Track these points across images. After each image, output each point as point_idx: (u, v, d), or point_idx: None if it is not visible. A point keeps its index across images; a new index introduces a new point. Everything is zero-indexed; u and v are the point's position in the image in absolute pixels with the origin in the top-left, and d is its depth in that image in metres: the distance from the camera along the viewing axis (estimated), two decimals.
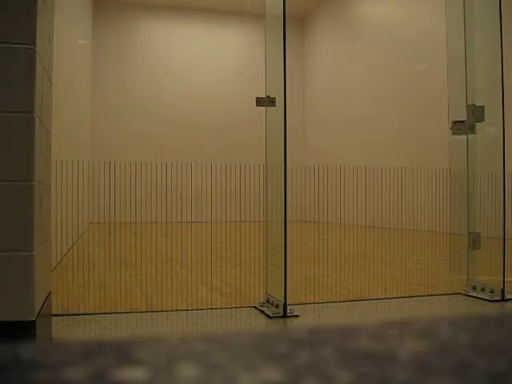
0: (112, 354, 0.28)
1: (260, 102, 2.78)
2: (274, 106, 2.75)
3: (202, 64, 12.35)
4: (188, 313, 2.71)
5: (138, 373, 0.25)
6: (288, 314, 2.55)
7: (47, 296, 2.05)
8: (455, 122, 3.23)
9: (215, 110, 12.19)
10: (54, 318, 2.30)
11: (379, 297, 3.14)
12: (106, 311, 2.67)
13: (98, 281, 3.52)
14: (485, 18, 3.13)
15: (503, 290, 2.92)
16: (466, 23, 3.18)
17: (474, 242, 3.12)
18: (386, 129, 9.89)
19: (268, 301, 2.71)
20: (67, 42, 5.44)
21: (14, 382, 0.24)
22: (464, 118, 3.16)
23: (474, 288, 3.07)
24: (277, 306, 2.60)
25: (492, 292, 2.96)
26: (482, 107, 3.07)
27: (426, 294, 3.20)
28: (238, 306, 2.86)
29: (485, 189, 3.13)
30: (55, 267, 3.98)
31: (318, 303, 2.96)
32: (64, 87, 4.96)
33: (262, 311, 2.64)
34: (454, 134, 3.25)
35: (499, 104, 3.02)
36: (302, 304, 2.87)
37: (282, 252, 2.63)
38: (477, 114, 3.07)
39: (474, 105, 3.09)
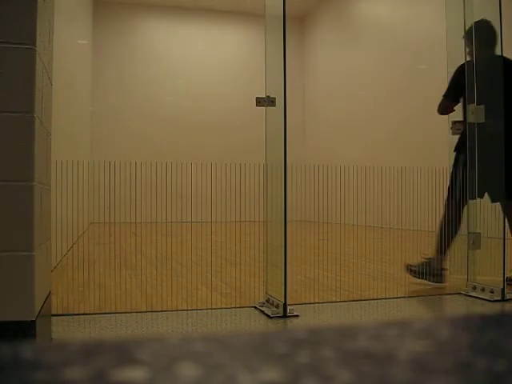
0: (112, 353, 0.28)
1: (260, 101, 2.78)
2: (274, 106, 2.75)
3: (202, 64, 12.35)
4: (188, 313, 2.71)
5: (138, 373, 0.25)
6: (288, 314, 2.55)
7: (47, 296, 2.05)
8: (455, 122, 3.23)
9: (215, 109, 12.19)
10: (53, 318, 2.30)
11: (379, 297, 3.14)
12: (106, 311, 2.67)
13: (97, 281, 3.52)
14: (485, 17, 3.12)
15: (503, 290, 2.92)
16: (466, 23, 3.18)
17: (474, 242, 3.12)
18: (385, 129, 9.89)
19: (268, 301, 2.71)
20: (67, 42, 5.44)
21: (14, 382, 0.24)
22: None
23: (474, 288, 3.07)
24: (277, 306, 2.60)
25: (492, 292, 2.96)
26: (482, 107, 3.06)
27: (425, 294, 3.20)
28: (238, 305, 2.86)
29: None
30: (55, 267, 3.98)
31: (318, 303, 2.96)
32: (64, 87, 4.96)
33: (262, 311, 2.64)
34: (454, 133, 3.25)
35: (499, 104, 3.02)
36: (302, 304, 2.87)
37: (282, 252, 2.63)
38: (477, 114, 3.07)
39: (474, 105, 3.09)
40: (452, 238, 3.40)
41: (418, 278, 3.47)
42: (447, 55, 3.32)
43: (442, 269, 3.42)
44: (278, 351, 0.29)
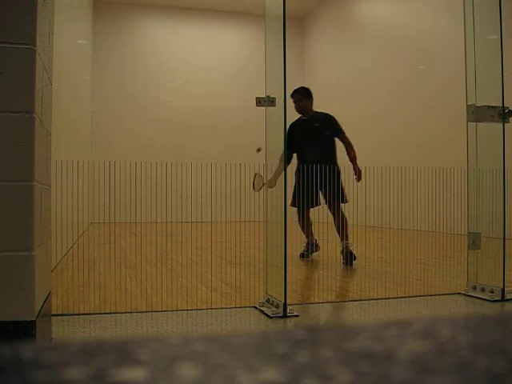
0: (112, 353, 0.28)
1: (260, 101, 2.78)
2: (274, 105, 2.75)
3: (202, 64, 12.34)
4: (188, 313, 2.71)
5: (138, 373, 0.25)
6: (288, 314, 2.55)
7: (47, 296, 2.05)
8: (478, 107, 3.07)
9: (215, 109, 12.19)
10: (53, 318, 2.30)
11: (379, 297, 3.14)
12: (106, 311, 2.67)
13: (98, 281, 3.52)
14: (485, 18, 3.12)
15: (503, 290, 2.92)
16: (466, 23, 3.18)
17: (474, 242, 3.12)
18: (386, 128, 9.88)
19: (268, 301, 2.71)
20: (67, 42, 5.44)
21: (14, 382, 0.24)
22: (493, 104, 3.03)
23: (474, 288, 3.07)
24: (277, 306, 2.60)
25: (492, 292, 2.96)
26: (484, 107, 3.06)
27: (425, 294, 3.20)
28: (238, 305, 2.86)
29: (486, 187, 3.13)
30: (55, 267, 3.98)
31: (318, 303, 2.96)
32: (64, 87, 4.96)
33: (262, 311, 2.64)
34: (469, 120, 3.10)
35: (499, 104, 3.02)
36: (302, 304, 2.87)
37: (282, 252, 2.63)
38: (477, 114, 3.06)
39: (475, 105, 3.09)
40: (309, 225, 4.93)
41: (310, 255, 4.84)
42: (465, 55, 3.23)
43: (317, 244, 4.94)
44: (278, 351, 0.29)
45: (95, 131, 10.98)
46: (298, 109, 5.08)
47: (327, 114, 5.15)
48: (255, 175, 4.78)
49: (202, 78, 12.27)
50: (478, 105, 3.06)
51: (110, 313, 2.64)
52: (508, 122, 3.04)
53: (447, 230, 5.16)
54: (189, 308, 2.79)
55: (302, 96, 5.14)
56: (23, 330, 1.68)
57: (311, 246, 4.90)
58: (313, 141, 4.93)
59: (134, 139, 11.56)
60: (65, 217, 4.36)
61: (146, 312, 2.69)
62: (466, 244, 3.15)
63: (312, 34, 12.92)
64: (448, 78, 8.00)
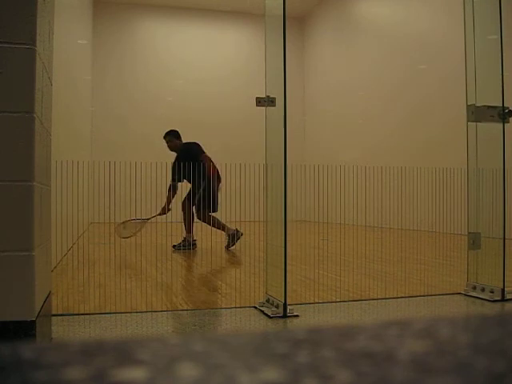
0: (112, 353, 0.28)
1: (260, 101, 2.78)
2: (274, 105, 2.74)
3: (202, 64, 12.34)
4: (188, 313, 2.71)
5: (138, 373, 0.25)
6: (288, 314, 2.55)
7: (47, 296, 2.05)
8: (478, 107, 3.06)
9: (215, 109, 12.19)
10: (53, 318, 2.30)
11: (379, 297, 3.14)
12: (106, 311, 2.67)
13: (98, 281, 3.52)
14: (485, 18, 3.12)
15: (503, 290, 2.91)
16: (466, 23, 3.18)
17: (474, 242, 3.11)
18: (386, 128, 9.89)
19: (268, 301, 2.71)
20: (67, 42, 5.44)
21: (14, 382, 0.24)
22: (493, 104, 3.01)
23: (474, 288, 3.07)
24: (277, 306, 2.60)
25: (492, 292, 2.96)
26: (484, 107, 3.06)
27: (425, 294, 3.21)
28: (238, 306, 2.86)
29: (486, 188, 3.13)
30: (55, 267, 3.98)
31: (318, 303, 2.96)
32: (64, 87, 4.96)
33: (262, 311, 2.64)
34: (470, 120, 3.09)
35: (499, 104, 3.02)
36: (302, 304, 2.87)
37: (282, 252, 2.62)
38: (477, 114, 3.06)
39: (475, 105, 3.09)
40: (192, 222, 5.79)
41: (181, 249, 5.50)
42: (465, 55, 3.24)
43: (194, 240, 5.73)
44: (278, 351, 0.29)
45: (95, 131, 10.98)
46: (170, 148, 6.20)
47: (188, 144, 6.27)
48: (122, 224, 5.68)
49: (202, 77, 12.27)
50: (477, 105, 3.06)
51: (110, 313, 2.64)
52: (508, 122, 3.04)
53: (447, 230, 5.16)
54: (189, 308, 2.79)
55: (172, 137, 6.26)
56: (23, 330, 1.69)
57: (187, 242, 5.73)
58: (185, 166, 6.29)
59: (134, 139, 11.56)
60: (65, 217, 4.36)
61: (146, 312, 2.69)
62: (466, 244, 3.15)
63: (312, 34, 12.92)
64: (448, 78, 8.00)
